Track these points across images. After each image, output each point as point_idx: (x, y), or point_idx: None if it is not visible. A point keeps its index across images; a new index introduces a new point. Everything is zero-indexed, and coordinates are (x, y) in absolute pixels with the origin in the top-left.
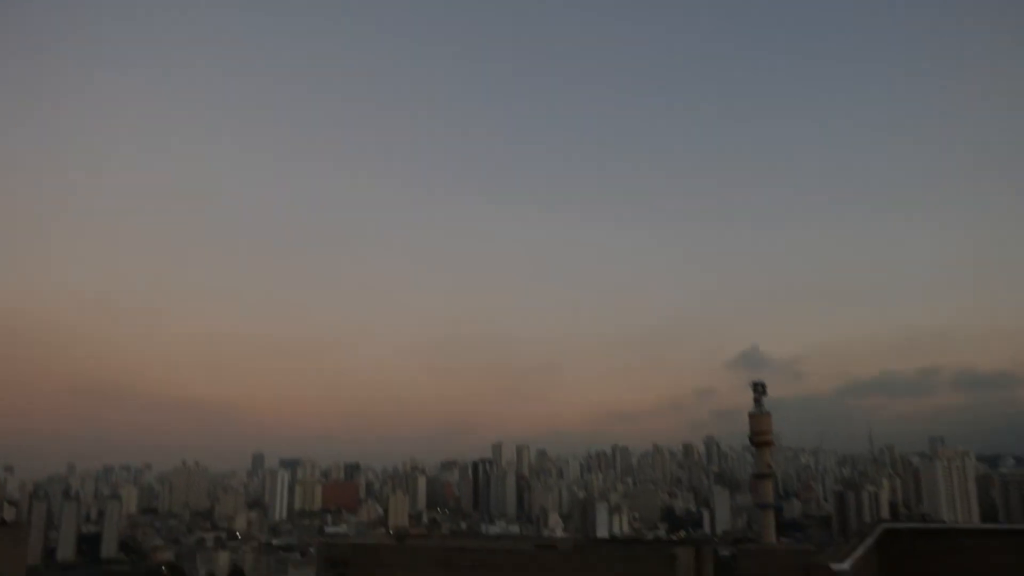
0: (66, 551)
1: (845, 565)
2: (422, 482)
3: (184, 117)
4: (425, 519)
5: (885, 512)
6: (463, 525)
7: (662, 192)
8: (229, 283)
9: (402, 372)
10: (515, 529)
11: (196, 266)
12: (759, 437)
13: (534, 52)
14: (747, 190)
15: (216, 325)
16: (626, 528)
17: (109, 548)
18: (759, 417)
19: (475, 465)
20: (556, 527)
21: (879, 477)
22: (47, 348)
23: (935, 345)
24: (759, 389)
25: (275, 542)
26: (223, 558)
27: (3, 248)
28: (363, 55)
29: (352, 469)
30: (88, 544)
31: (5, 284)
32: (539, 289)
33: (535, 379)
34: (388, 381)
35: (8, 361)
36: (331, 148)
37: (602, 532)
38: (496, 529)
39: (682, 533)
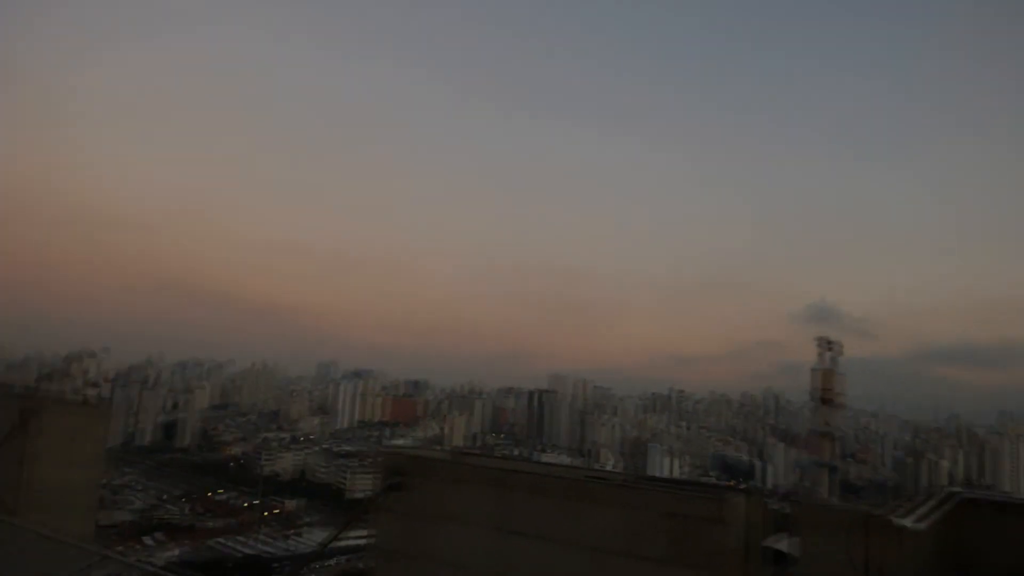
0: (144, 437)
1: (907, 521)
2: (480, 405)
3: (271, 23)
4: (481, 442)
5: (945, 483)
6: (517, 452)
7: (738, 131)
8: (307, 193)
9: (467, 294)
10: (568, 461)
11: (279, 173)
12: (824, 393)
13: None
14: (832, 129)
15: (294, 234)
16: (678, 471)
17: (184, 438)
18: (825, 373)
19: (532, 394)
20: (608, 463)
21: (942, 447)
22: (133, 241)
23: (1018, 316)
24: (827, 345)
25: (337, 448)
26: (288, 458)
27: (99, 140)
28: None
29: (414, 386)
30: (165, 433)
31: (100, 176)
32: (607, 222)
33: (597, 313)
34: (453, 302)
35: (97, 251)
36: (409, 65)
37: (654, 473)
38: (550, 459)
39: (735, 483)
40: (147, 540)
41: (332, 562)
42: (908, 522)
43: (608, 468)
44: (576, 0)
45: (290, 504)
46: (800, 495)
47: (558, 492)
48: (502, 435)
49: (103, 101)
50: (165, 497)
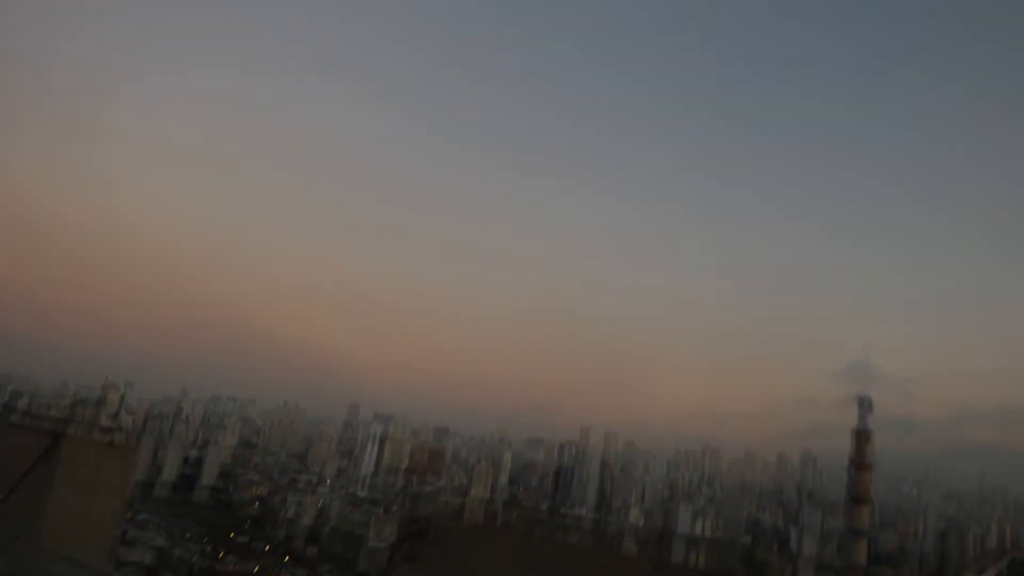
0: (171, 471)
1: None
2: (507, 457)
3: (323, 73)
4: (507, 494)
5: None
6: (544, 506)
7: (778, 187)
8: (343, 235)
9: (498, 341)
10: (595, 517)
11: (319, 214)
12: (860, 458)
13: (638, 36)
14: (872, 187)
15: (330, 274)
16: (708, 533)
17: (210, 475)
18: (862, 436)
19: (561, 447)
20: (637, 521)
21: (987, 519)
22: (173, 272)
23: None
24: (865, 406)
25: (361, 494)
26: (311, 502)
27: (144, 171)
28: (485, 36)
29: (441, 433)
30: (191, 469)
31: (145, 207)
32: (642, 275)
33: (629, 366)
34: (483, 349)
35: (137, 282)
36: (443, 119)
37: (683, 533)
38: (577, 515)
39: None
40: None
41: None
42: None
43: (638, 525)
44: (610, 70)
45: (311, 550)
46: (832, 567)
47: (585, 571)
48: (529, 488)
49: (140, 138)
50: (186, 536)
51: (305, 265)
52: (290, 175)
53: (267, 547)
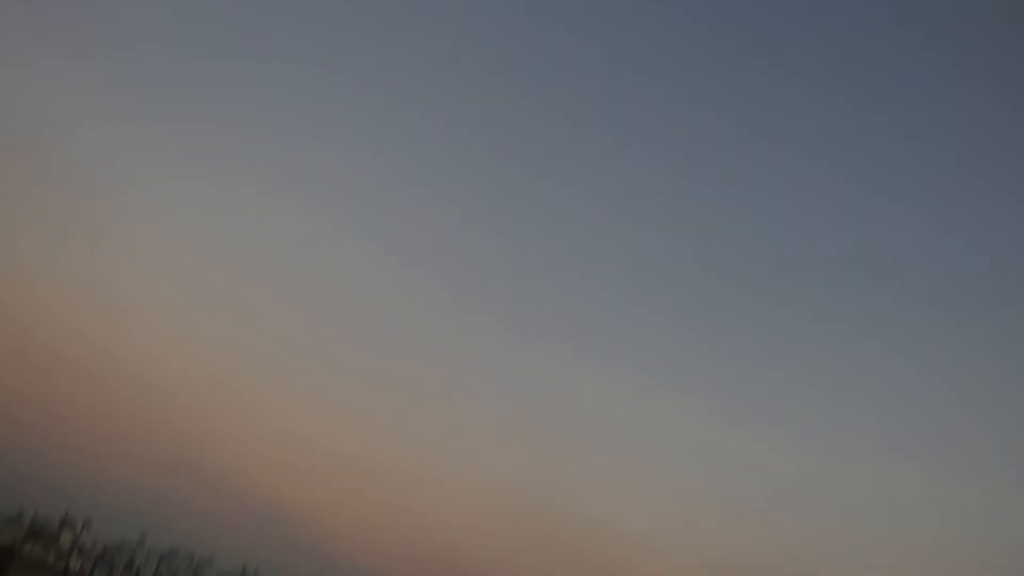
0: None
1: None
2: None
3: (334, 217)
4: None
5: None
6: None
7: (784, 398)
8: (335, 398)
9: (476, 527)
10: None
11: (314, 370)
12: None
13: (656, 213)
14: (876, 416)
15: (314, 435)
16: None
17: None
18: None
19: None
20: None
21: None
22: (153, 409)
23: None
24: None
25: None
26: None
27: (132, 305)
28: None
29: None
30: None
31: (129, 338)
32: (638, 481)
33: (608, 573)
34: (460, 531)
35: (118, 415)
36: (445, 290)
37: None
38: None
39: None
40: None
41: None
42: None
43: None
44: (620, 237)
45: None
46: None
47: None
48: None
49: (131, 253)
50: None
51: (291, 419)
52: (285, 318)
53: None
